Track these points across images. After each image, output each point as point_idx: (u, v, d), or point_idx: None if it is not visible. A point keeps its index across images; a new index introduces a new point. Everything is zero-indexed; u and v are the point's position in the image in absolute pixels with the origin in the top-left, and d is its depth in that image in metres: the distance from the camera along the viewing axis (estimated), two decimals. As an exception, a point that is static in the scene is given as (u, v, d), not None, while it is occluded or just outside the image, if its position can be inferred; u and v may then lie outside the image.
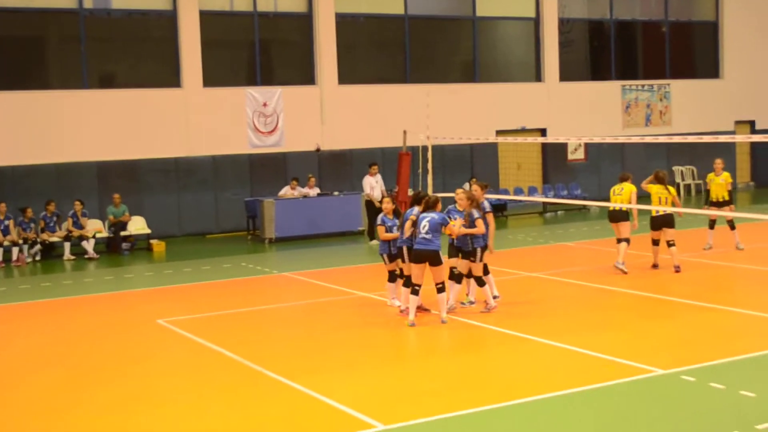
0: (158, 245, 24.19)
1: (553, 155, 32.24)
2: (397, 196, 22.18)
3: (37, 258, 22.92)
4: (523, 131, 31.45)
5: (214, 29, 27.37)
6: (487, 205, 14.62)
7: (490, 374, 10.92)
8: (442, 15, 31.44)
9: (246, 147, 27.48)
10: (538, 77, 32.48)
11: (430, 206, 13.84)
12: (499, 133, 30.76)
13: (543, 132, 31.87)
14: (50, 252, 23.40)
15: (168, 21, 26.83)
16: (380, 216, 14.94)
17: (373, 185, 24.09)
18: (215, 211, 26.98)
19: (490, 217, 14.51)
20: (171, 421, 9.47)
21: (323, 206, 25.46)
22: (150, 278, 19.91)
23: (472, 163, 30.64)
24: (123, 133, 25.90)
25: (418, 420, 9.07)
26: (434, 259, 13.50)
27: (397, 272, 14.66)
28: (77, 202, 23.74)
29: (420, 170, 23.04)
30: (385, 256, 14.76)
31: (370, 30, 30.45)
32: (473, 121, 30.04)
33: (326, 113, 28.61)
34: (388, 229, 14.66)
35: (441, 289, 13.63)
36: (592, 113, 32.68)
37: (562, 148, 32.12)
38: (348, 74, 29.10)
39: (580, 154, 32.63)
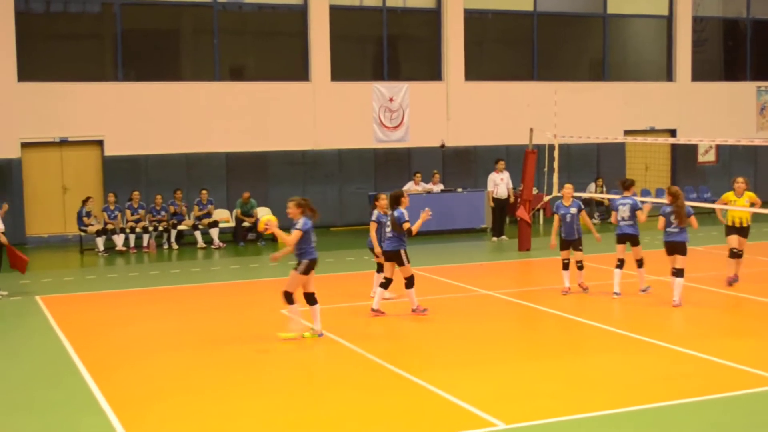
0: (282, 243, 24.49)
1: (682, 157, 31.47)
2: (522, 194, 21.99)
3: (166, 246, 23.50)
4: (652, 131, 30.79)
5: (343, 24, 27.62)
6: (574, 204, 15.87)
7: (613, 377, 10.71)
8: (572, 12, 31.03)
9: (371, 141, 27.66)
10: (669, 77, 31.75)
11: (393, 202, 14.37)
12: (627, 132, 30.19)
13: (672, 133, 31.15)
14: (179, 240, 23.99)
15: (298, 15, 27.18)
16: (375, 212, 15.48)
17: (497, 182, 23.93)
18: (339, 204, 27.24)
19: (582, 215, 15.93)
20: (289, 409, 9.59)
21: (447, 202, 25.42)
22: (275, 269, 20.17)
23: (598, 162, 30.16)
24: (252, 125, 26.39)
25: (540, 421, 8.97)
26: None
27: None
28: (203, 191, 24.29)
29: (545, 169, 22.80)
30: (372, 250, 15.50)
31: (498, 26, 30.25)
32: (601, 120, 29.57)
33: (452, 109, 28.56)
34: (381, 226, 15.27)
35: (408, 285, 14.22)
36: (725, 115, 31.79)
37: (692, 149, 31.33)
38: (475, 70, 28.99)
39: (710, 156, 31.78)
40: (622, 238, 15.48)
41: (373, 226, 15.36)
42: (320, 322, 12.92)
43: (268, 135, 26.56)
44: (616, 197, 24.40)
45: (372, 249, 15.62)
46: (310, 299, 12.89)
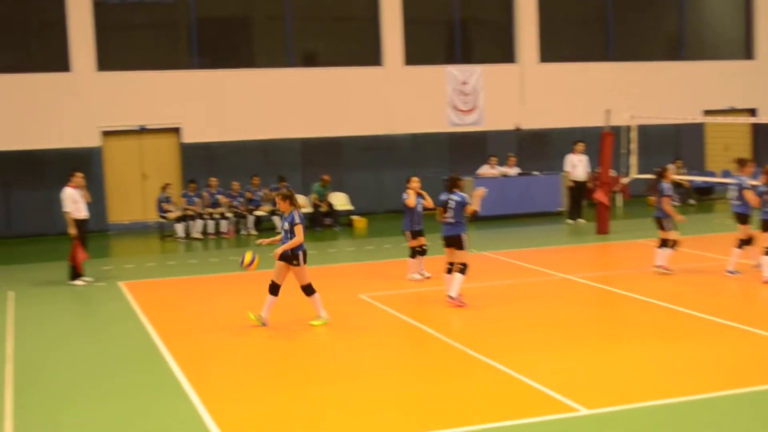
0: (359, 221, 24.66)
1: (763, 136, 30.77)
2: (599, 177, 21.75)
3: (244, 232, 23.72)
4: (731, 111, 30.18)
5: (416, 7, 27.54)
6: (665, 188, 15.46)
7: (697, 362, 10.55)
8: (649, -9, 30.51)
9: (445, 125, 27.59)
10: (748, 54, 31.07)
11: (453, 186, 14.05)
12: (706, 113, 29.64)
13: (753, 112, 30.49)
14: (257, 225, 24.23)
15: (370, 0, 27.17)
16: (406, 194, 15.82)
17: (575, 164, 23.69)
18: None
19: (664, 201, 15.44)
20: (371, 393, 9.64)
21: (523, 186, 25.27)
22: (352, 253, 20.31)
23: (676, 143, 29.69)
24: (326, 110, 26.51)
25: (622, 406, 8.89)
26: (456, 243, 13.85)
27: (418, 249, 15.88)
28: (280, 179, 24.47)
29: (623, 151, 22.52)
30: (407, 232, 15.94)
31: (572, 7, 29.87)
32: (678, 101, 29.07)
33: (526, 92, 28.35)
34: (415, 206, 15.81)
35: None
36: (808, 92, 31.00)
37: (773, 129, 30.67)
38: (549, 52, 28.72)
39: (793, 136, 31.03)
40: (734, 217, 15.52)
41: (410, 204, 15.81)
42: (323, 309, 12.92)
43: (342, 120, 26.66)
44: (695, 179, 24.08)
45: (405, 232, 16.02)
46: (309, 290, 12.83)
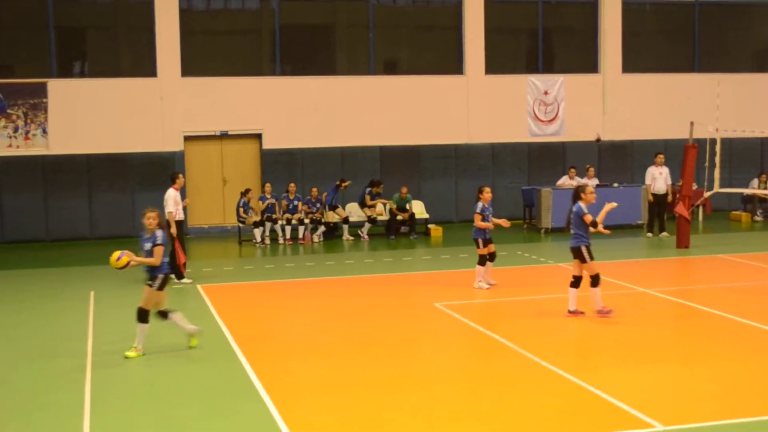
0: (436, 230, 24.62)
1: None
2: (681, 190, 21.39)
3: (320, 238, 23.86)
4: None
5: (498, 17, 27.45)
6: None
7: (779, 381, 10.31)
8: (736, 1, 29.93)
9: (525, 135, 27.42)
10: (841, 66, 30.33)
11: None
12: (793, 126, 28.96)
13: (844, 126, 29.69)
14: (333, 232, 24.34)
15: (453, 9, 27.17)
16: (479, 204, 16.04)
17: (656, 176, 23.33)
18: (493, 198, 26.99)
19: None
20: (444, 402, 9.59)
21: (602, 197, 24.83)
22: (427, 262, 20.28)
23: (761, 158, 29.07)
24: (406, 118, 26.54)
25: (700, 423, 8.72)
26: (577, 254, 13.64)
27: (488, 256, 16.09)
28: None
29: (707, 164, 22.13)
30: (479, 240, 16.04)
31: (657, 17, 29.47)
32: (766, 113, 28.46)
33: (608, 102, 28.03)
34: (485, 218, 15.97)
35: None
36: None
37: None
38: (632, 62, 28.38)
39: None
40: None
41: (477, 218, 15.97)
42: (142, 341, 11.93)
43: (421, 129, 26.66)
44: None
45: (476, 240, 16.12)
46: (165, 315, 12.07)
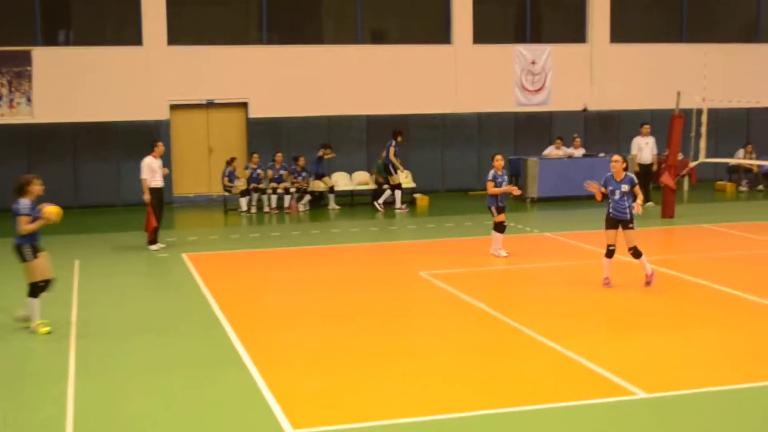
0: (422, 199, 24.61)
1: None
2: (667, 160, 21.42)
3: (306, 207, 23.81)
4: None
5: (486, -14, 27.35)
6: (634, 176, 13.89)
7: (759, 349, 10.35)
8: (724, -29, 29.87)
9: (512, 105, 27.39)
10: (827, 36, 30.34)
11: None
12: (780, 96, 28.98)
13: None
14: (319, 201, 24.30)
15: (440, -23, 27.06)
16: (491, 172, 15.88)
17: (642, 146, 23.34)
18: (478, 168, 27.05)
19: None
20: (429, 371, 9.62)
21: (588, 167, 24.92)
22: (413, 231, 20.30)
23: (747, 128, 29.10)
24: (393, 88, 26.45)
25: (683, 391, 8.77)
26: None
27: (503, 224, 16.13)
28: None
29: (692, 134, 22.15)
30: (493, 208, 16.07)
31: (645, -13, 29.42)
32: (751, 84, 28.49)
33: (596, 72, 28.00)
34: (497, 185, 15.89)
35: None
36: None
37: None
38: (620, 32, 28.31)
39: None
40: None
41: (490, 185, 15.94)
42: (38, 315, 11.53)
43: (408, 98, 26.59)
44: (765, 163, 23.67)
45: (490, 208, 16.13)
46: (32, 290, 11.49)
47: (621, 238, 13.59)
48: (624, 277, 14.23)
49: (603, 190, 13.72)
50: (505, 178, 16.23)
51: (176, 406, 8.72)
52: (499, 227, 16.22)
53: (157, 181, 17.72)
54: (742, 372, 9.38)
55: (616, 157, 13.90)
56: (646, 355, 10.12)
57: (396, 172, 23.50)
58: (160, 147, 18.06)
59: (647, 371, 9.45)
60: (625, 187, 13.51)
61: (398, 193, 23.47)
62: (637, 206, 13.45)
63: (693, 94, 21.75)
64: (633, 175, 13.74)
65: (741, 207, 23.64)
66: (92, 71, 24.55)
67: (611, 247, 13.62)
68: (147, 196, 17.47)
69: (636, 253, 13.57)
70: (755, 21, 29.83)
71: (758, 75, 28.88)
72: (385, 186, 23.81)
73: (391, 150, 23.48)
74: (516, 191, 16.50)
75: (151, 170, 17.67)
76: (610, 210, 13.63)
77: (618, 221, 13.57)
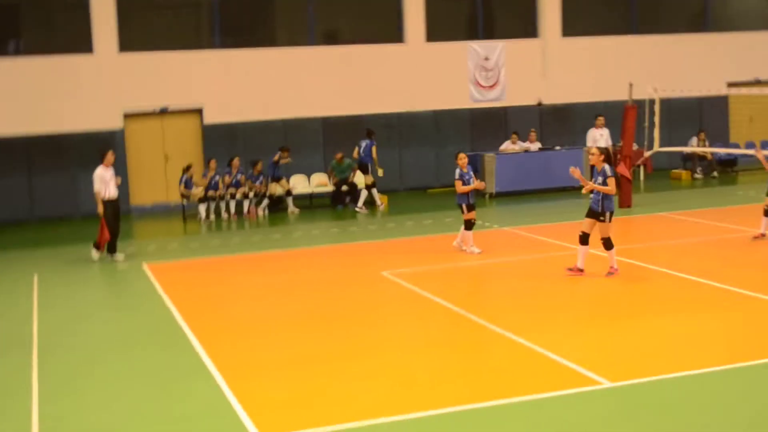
0: (381, 199, 24.60)
1: (790, 108, 30.48)
2: (622, 151, 21.62)
3: (265, 211, 23.71)
4: (757, 83, 29.88)
5: (437, -17, 27.42)
6: (608, 169, 13.91)
7: (718, 334, 10.50)
8: (671, -39, 30.19)
9: (467, 102, 27.47)
10: (773, 25, 30.75)
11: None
12: (730, 85, 29.34)
13: (778, 83, 30.19)
14: (278, 205, 24.21)
15: (391, -23, 27.08)
16: (457, 171, 15.96)
17: (597, 138, 23.56)
18: (436, 165, 27.15)
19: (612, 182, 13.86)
20: (394, 370, 9.64)
21: (545, 161, 25.16)
22: (373, 231, 20.30)
23: (699, 116, 29.45)
24: (347, 88, 26.44)
25: (646, 378, 8.87)
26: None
27: (473, 221, 16.12)
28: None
29: (646, 124, 22.37)
30: (463, 206, 16.05)
31: (594, -20, 29.67)
32: (702, 73, 28.79)
33: (548, 66, 28.17)
34: (465, 182, 15.92)
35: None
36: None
37: (799, 100, 30.31)
38: (572, 26, 28.51)
39: (819, 106, 30.66)
40: None
41: (458, 184, 15.97)
42: None
43: (363, 98, 26.59)
44: (718, 150, 23.95)
45: (460, 206, 16.13)
46: None
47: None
48: (586, 268, 14.35)
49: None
50: (472, 174, 16.28)
51: (143, 420, 8.64)
52: (469, 224, 16.25)
53: (111, 193, 17.51)
54: (704, 357, 9.50)
55: (593, 149, 14.23)
56: (610, 344, 10.22)
57: (371, 172, 23.57)
58: (109, 156, 17.74)
59: (611, 361, 9.55)
60: (600, 179, 13.75)
61: (364, 193, 23.51)
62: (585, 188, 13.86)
63: (645, 84, 21.99)
64: (606, 167, 13.82)
65: (697, 194, 23.92)
66: (43, 81, 24.24)
67: (580, 233, 13.88)
68: (101, 209, 17.30)
69: (606, 245, 13.80)
70: (703, 11, 30.17)
71: (708, 64, 29.22)
72: (362, 186, 23.87)
73: (374, 149, 23.71)
74: (482, 186, 16.56)
75: (104, 181, 17.43)
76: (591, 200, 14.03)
77: (593, 212, 13.88)
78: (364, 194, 23.47)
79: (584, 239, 13.91)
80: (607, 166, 13.79)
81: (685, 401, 8.33)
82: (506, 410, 8.31)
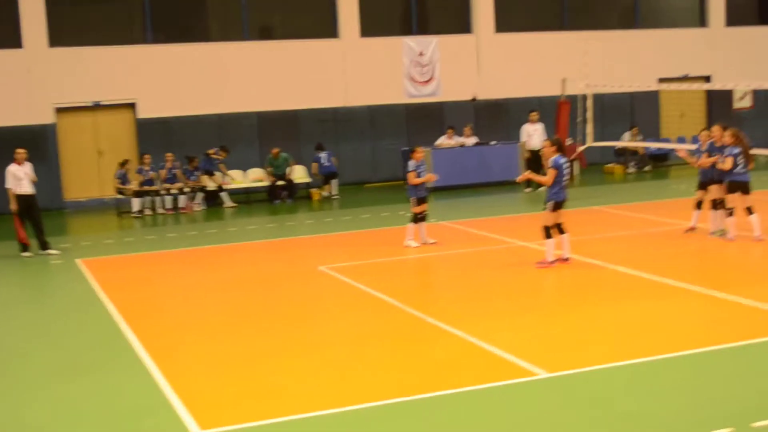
0: (317, 194, 24.60)
1: (718, 103, 31.09)
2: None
3: (202, 206, 23.58)
4: (686, 79, 30.42)
5: (371, -21, 27.44)
6: (551, 161, 14.10)
7: (652, 324, 10.67)
8: (602, -42, 30.58)
9: (402, 97, 27.54)
10: (702, 22, 31.31)
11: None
12: (661, 80, 29.84)
13: (707, 79, 30.73)
14: (214, 199, 24.07)
15: (326, -29, 27.04)
16: (411, 162, 16.04)
17: (531, 133, 23.80)
18: (372, 160, 27.22)
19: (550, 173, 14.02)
20: (332, 364, 9.64)
21: (480, 155, 25.33)
22: (311, 226, 20.28)
23: (631, 111, 29.90)
24: (282, 83, 26.36)
25: (583, 369, 8.97)
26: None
27: (420, 216, 16.09)
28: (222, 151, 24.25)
29: (579, 119, 22.65)
30: (414, 199, 16.06)
31: (527, -24, 29.93)
32: (633, 69, 29.23)
33: (482, 62, 28.37)
34: (418, 174, 15.92)
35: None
36: (761, 59, 31.27)
37: (727, 95, 30.91)
38: (505, 22, 28.75)
39: (746, 102, 31.34)
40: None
41: (411, 176, 15.97)
42: None
43: (298, 93, 26.53)
44: (650, 145, 24.36)
45: (411, 198, 16.15)
46: None
47: (563, 218, 14.14)
48: (521, 259, 14.50)
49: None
50: (425, 167, 16.33)
51: (78, 415, 8.52)
52: (420, 217, 16.22)
53: (24, 188, 17.35)
54: (638, 347, 9.64)
55: (544, 141, 14.58)
56: (546, 335, 10.33)
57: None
58: (19, 154, 17.59)
59: (547, 351, 9.65)
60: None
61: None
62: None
63: (577, 80, 22.26)
64: (557, 158, 13.92)
65: (630, 188, 24.28)
66: (-29, 76, 23.82)
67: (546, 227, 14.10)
68: (14, 206, 17.24)
69: (544, 234, 14.01)
70: (633, 7, 30.62)
71: (638, 60, 29.67)
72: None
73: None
74: (435, 178, 16.58)
75: (16, 178, 17.35)
76: None
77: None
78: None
79: (545, 231, 14.04)
80: (553, 158, 13.92)
81: (620, 391, 8.44)
82: (442, 402, 8.32)
